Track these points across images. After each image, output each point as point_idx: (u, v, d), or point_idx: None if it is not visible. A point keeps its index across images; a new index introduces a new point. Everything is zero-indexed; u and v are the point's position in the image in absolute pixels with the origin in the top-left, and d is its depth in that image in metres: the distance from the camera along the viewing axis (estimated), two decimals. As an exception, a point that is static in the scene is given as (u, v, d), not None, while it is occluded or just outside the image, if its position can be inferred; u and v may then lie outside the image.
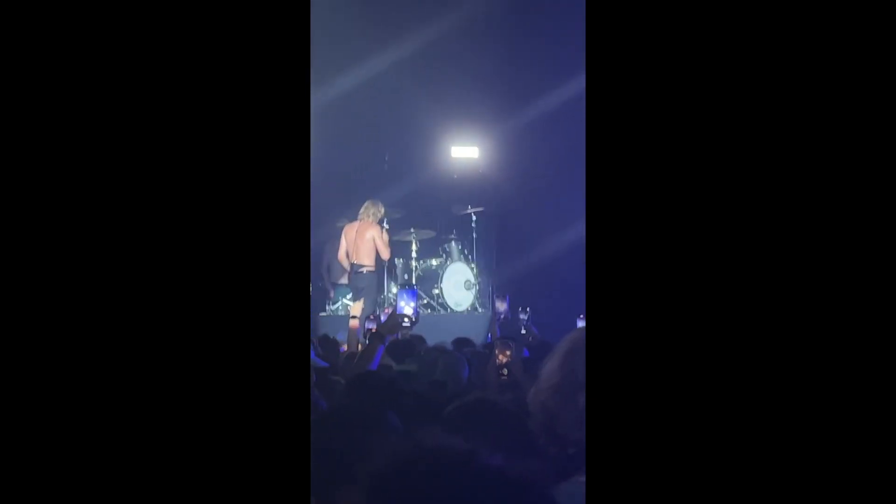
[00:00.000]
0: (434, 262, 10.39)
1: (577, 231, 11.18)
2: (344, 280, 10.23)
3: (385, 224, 9.81)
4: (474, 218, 10.77)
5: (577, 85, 10.93)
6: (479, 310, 10.34)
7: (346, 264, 9.83)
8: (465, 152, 11.72)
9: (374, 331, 4.01)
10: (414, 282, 9.96)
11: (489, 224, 11.15)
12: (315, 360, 5.29)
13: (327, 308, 10.36)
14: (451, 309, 10.16)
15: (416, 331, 5.02)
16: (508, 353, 3.55)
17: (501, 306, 6.74)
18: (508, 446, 2.06)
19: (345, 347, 6.10)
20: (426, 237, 10.50)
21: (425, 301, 9.94)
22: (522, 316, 6.55)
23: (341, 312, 10.09)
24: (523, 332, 6.46)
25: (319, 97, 9.03)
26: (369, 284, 9.46)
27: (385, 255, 9.62)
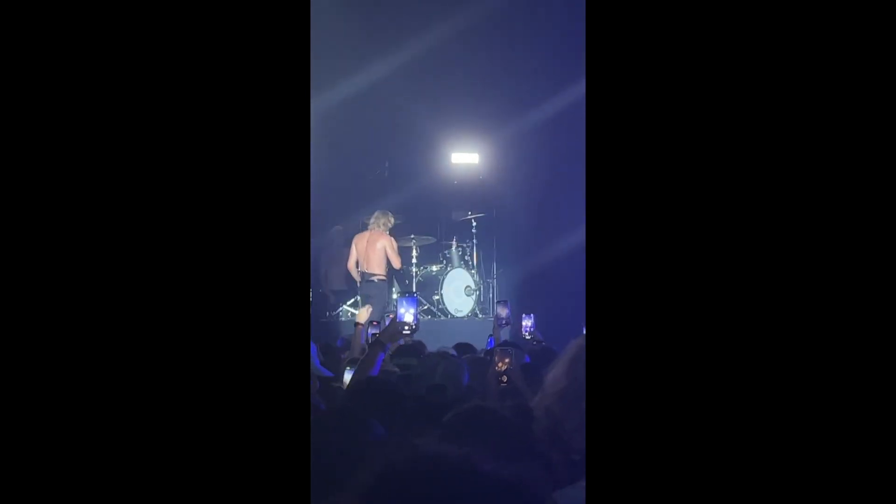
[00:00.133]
0: (434, 268, 10.41)
1: (577, 236, 11.19)
2: (342, 286, 10.26)
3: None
4: (474, 224, 10.78)
5: (576, 91, 10.93)
6: (480, 316, 10.34)
7: (355, 273, 9.96)
8: (465, 158, 11.73)
9: (375, 337, 4.02)
10: (414, 288, 9.98)
11: (490, 230, 11.15)
12: (319, 369, 5.29)
13: (328, 314, 10.36)
14: (451, 315, 10.16)
15: (416, 337, 5.03)
16: (508, 360, 3.56)
17: (503, 312, 6.71)
18: (507, 453, 2.06)
19: (346, 354, 6.10)
20: (426, 243, 10.52)
21: (425, 307, 9.95)
22: (526, 322, 6.51)
23: (342, 318, 10.10)
24: (528, 337, 6.43)
25: (319, 103, 9.04)
26: (379, 293, 9.55)
27: (397, 264, 9.80)
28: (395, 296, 9.76)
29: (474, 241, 10.73)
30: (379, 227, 9.82)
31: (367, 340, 5.33)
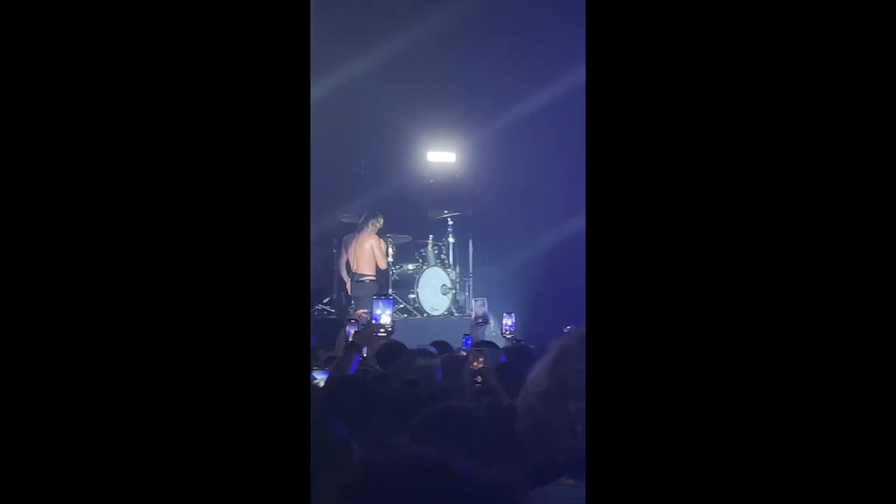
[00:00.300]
0: (410, 266, 10.41)
1: (553, 235, 11.22)
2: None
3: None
4: (450, 223, 10.79)
5: (553, 90, 10.97)
6: (456, 314, 10.35)
7: (345, 275, 10.16)
8: (441, 157, 11.73)
9: (349, 340, 4.02)
10: (390, 287, 10.00)
11: (465, 228, 11.16)
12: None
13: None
14: (427, 314, 10.17)
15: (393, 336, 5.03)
16: (482, 359, 3.56)
17: (480, 311, 6.70)
18: (482, 453, 2.06)
19: (321, 353, 6.08)
20: (402, 242, 10.53)
21: (401, 305, 9.96)
22: (507, 321, 6.51)
23: (317, 317, 10.10)
24: (508, 336, 6.42)
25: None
26: (369, 293, 9.61)
27: (382, 264, 9.99)
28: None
29: (450, 239, 10.73)
30: (367, 228, 9.98)
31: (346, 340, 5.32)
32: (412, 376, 3.71)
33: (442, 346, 5.77)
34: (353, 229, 10.21)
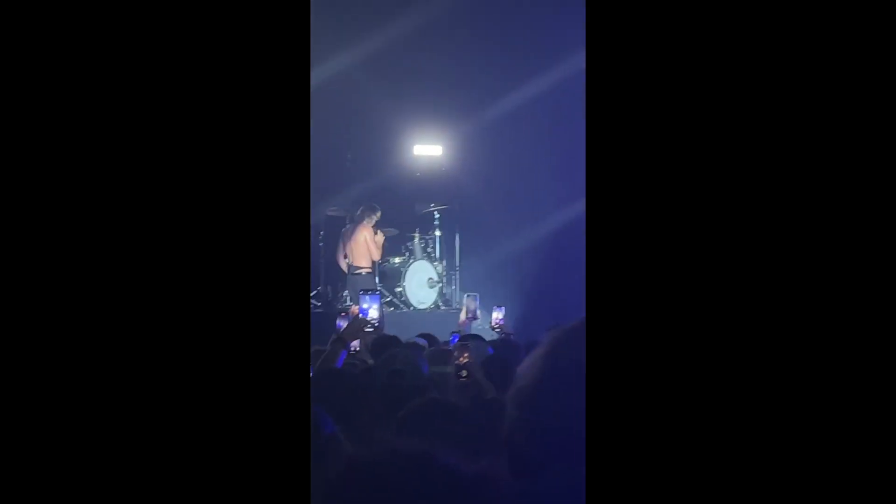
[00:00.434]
0: (397, 259, 10.41)
1: (540, 229, 11.25)
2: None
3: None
4: (437, 216, 10.79)
5: (540, 83, 10.99)
6: (443, 308, 10.36)
7: (343, 266, 10.25)
8: (428, 150, 11.72)
9: (337, 336, 4.03)
10: (377, 279, 10.00)
11: (452, 222, 11.17)
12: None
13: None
14: (413, 307, 10.18)
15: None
16: (467, 354, 3.58)
17: (472, 305, 6.66)
18: (468, 447, 2.07)
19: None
20: (389, 235, 10.52)
21: (388, 298, 9.96)
22: (496, 314, 6.45)
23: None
24: (496, 329, 6.38)
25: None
26: (365, 286, 9.62)
27: (375, 255, 10.08)
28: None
29: (437, 232, 10.74)
30: (364, 220, 10.05)
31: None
32: (398, 367, 3.72)
33: (430, 339, 5.77)
34: (340, 223, 10.23)
